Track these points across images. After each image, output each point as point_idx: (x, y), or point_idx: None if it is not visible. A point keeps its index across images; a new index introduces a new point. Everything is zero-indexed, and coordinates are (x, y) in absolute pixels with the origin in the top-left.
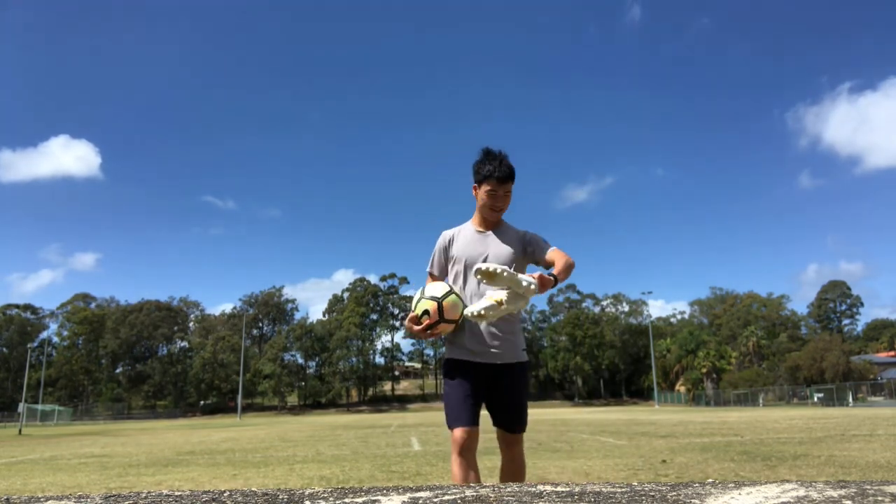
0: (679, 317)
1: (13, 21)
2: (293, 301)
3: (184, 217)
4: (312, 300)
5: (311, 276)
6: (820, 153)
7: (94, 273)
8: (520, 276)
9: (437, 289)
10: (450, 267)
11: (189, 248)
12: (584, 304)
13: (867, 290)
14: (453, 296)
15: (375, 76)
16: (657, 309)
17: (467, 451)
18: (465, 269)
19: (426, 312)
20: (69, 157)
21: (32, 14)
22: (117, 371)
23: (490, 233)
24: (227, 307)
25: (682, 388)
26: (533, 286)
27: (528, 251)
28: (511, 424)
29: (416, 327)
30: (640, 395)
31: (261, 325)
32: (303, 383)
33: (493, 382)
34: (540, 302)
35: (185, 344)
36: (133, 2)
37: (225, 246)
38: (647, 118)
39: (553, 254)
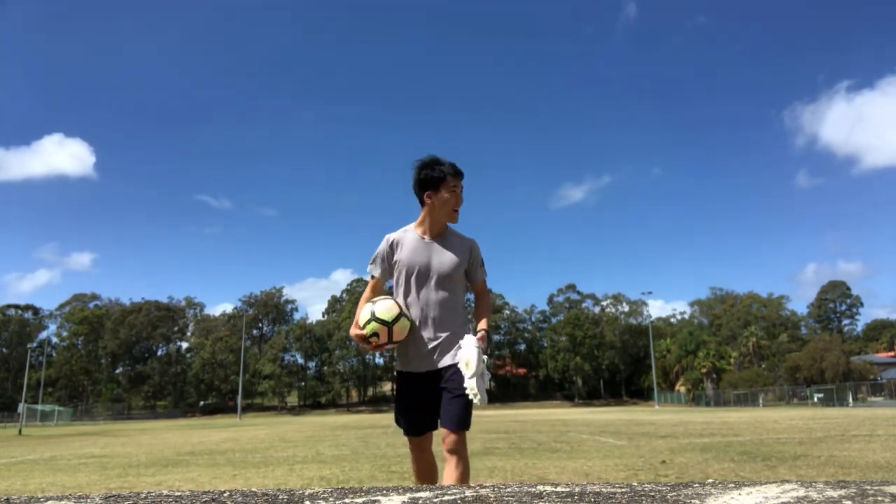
0: (679, 317)
1: (6, 19)
2: (293, 302)
3: (179, 216)
4: (311, 300)
5: (308, 275)
6: (817, 152)
7: (91, 273)
8: (475, 359)
9: (388, 311)
10: (394, 272)
11: (185, 247)
12: (584, 305)
13: (866, 290)
14: (403, 319)
15: (373, 75)
16: (657, 309)
17: (423, 452)
18: (408, 278)
19: (375, 334)
20: (63, 155)
21: (26, 12)
22: (117, 371)
23: (434, 242)
24: (224, 307)
25: (682, 389)
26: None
27: (471, 261)
28: (453, 422)
29: (364, 345)
30: (640, 395)
31: (260, 325)
32: (302, 384)
33: (436, 384)
34: (540, 302)
35: (184, 344)
36: (127, 0)
37: (221, 245)
38: (643, 117)
39: (479, 293)
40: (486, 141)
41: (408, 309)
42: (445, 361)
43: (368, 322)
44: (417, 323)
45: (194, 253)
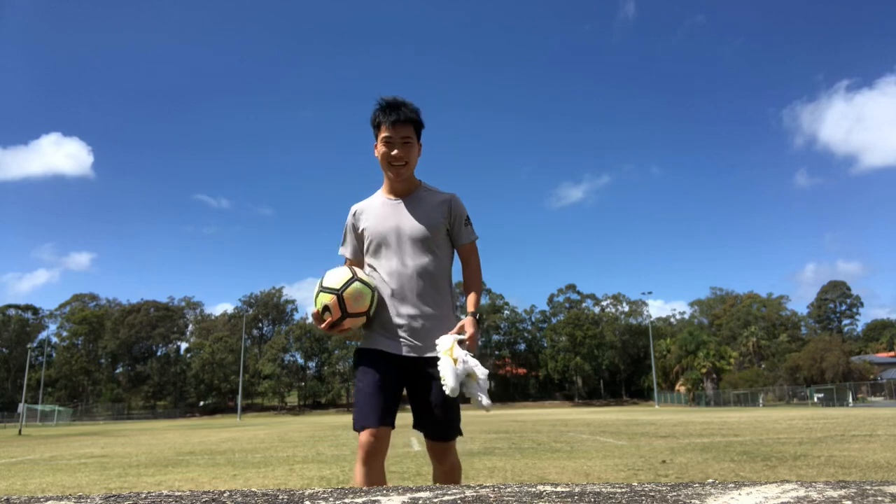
0: (679, 317)
1: (4, 18)
2: (293, 302)
3: (177, 216)
4: (309, 300)
5: (308, 275)
6: (816, 152)
7: (89, 272)
8: (456, 342)
9: (336, 278)
10: (365, 245)
11: (183, 247)
12: (583, 305)
13: (865, 290)
14: (356, 284)
15: (370, 73)
16: (657, 309)
17: (373, 458)
18: (378, 248)
19: (326, 308)
20: (60, 155)
21: (23, 11)
22: (117, 371)
23: (401, 201)
24: (224, 307)
25: (682, 389)
26: (468, 344)
27: (451, 219)
28: (436, 431)
29: (320, 325)
30: (640, 395)
31: (260, 325)
32: (302, 384)
33: (413, 380)
34: (540, 302)
35: (184, 344)
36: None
37: (219, 245)
38: (642, 116)
39: (466, 258)
40: (484, 141)
41: (382, 283)
42: (426, 349)
43: (317, 295)
44: (390, 298)
45: (193, 252)
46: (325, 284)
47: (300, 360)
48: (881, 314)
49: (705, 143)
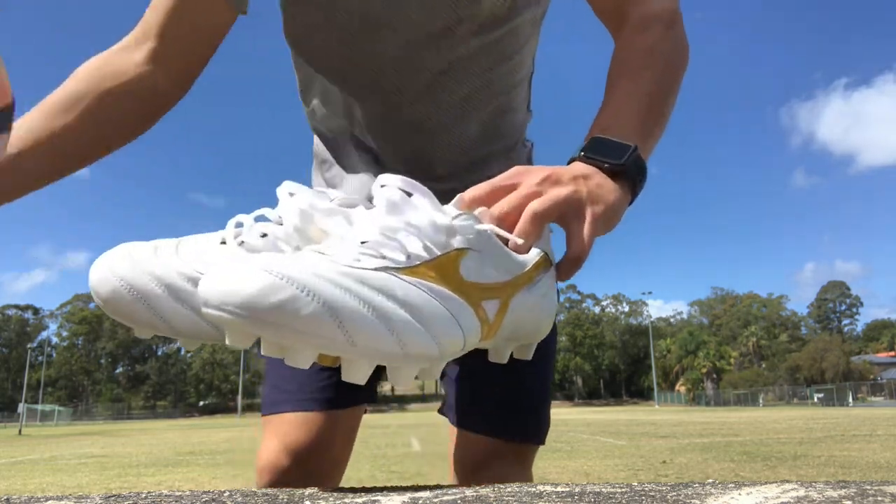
0: (678, 317)
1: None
2: None
3: (173, 215)
4: None
5: None
6: (814, 151)
7: (86, 272)
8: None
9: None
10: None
11: None
12: (584, 305)
13: (864, 290)
14: None
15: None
16: (657, 309)
17: (281, 473)
18: (339, 77)
19: None
20: None
21: (20, 8)
22: (117, 371)
23: None
24: None
25: (683, 389)
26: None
27: None
28: (497, 423)
29: None
30: (641, 395)
31: None
32: None
33: None
34: None
35: None
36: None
37: None
38: None
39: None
40: None
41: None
42: None
43: None
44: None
45: None
46: None
47: None
48: (881, 314)
49: (703, 142)
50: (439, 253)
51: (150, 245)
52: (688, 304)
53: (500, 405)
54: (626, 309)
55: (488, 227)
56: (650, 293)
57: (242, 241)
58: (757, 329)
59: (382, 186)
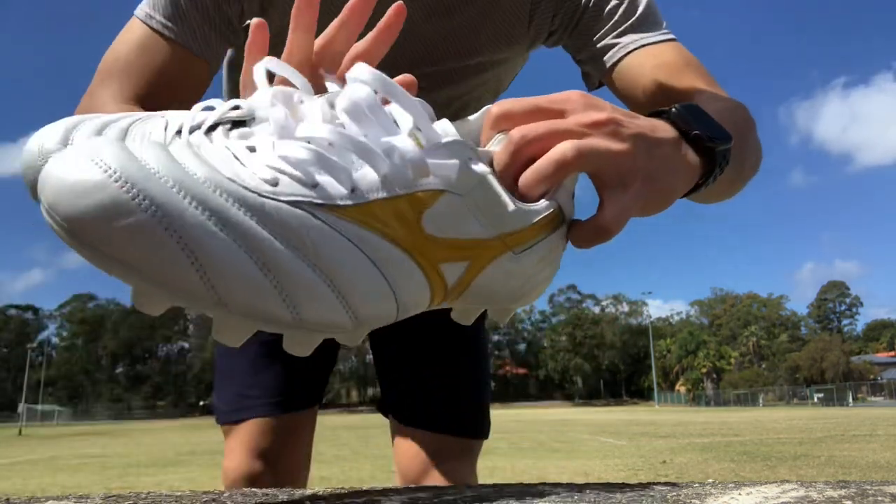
0: (678, 317)
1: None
2: None
3: None
4: None
5: None
6: (812, 150)
7: (87, 272)
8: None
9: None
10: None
11: None
12: (584, 305)
13: (864, 290)
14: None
15: None
16: (657, 309)
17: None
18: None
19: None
20: None
21: (17, 7)
22: (117, 371)
23: None
24: None
25: (683, 389)
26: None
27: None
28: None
29: None
30: (641, 395)
31: None
32: None
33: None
34: (540, 302)
35: (185, 344)
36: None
37: None
38: None
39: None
40: None
41: None
42: None
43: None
44: None
45: None
46: None
47: None
48: (881, 314)
49: None
50: (400, 192)
51: (98, 121)
52: (688, 304)
53: (445, 401)
54: (626, 309)
55: (483, 169)
56: (650, 293)
57: (194, 129)
58: (757, 329)
59: (353, 80)
